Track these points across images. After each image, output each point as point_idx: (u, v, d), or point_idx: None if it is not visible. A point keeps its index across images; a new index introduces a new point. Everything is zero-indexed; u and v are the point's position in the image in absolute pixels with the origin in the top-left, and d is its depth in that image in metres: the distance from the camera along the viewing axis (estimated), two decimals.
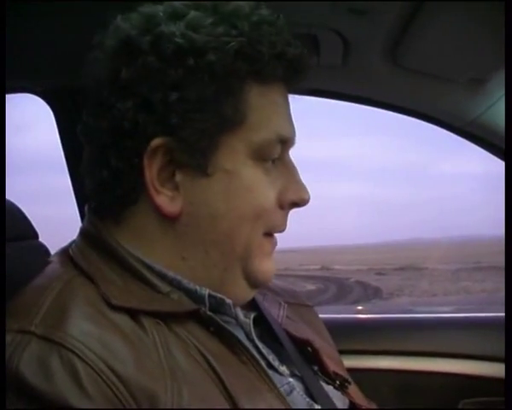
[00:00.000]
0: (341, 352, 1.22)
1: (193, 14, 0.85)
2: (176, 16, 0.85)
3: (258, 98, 0.87)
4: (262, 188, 0.89)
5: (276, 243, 0.96)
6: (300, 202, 0.94)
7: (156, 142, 0.84)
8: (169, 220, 0.88)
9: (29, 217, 1.34)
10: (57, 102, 1.77)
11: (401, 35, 1.34)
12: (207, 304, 0.88)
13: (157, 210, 0.87)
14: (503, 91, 1.53)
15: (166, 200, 0.86)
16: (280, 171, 0.92)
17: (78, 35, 0.89)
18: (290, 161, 0.95)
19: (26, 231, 1.31)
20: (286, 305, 1.12)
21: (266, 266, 0.94)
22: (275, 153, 0.90)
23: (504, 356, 1.37)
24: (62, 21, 1.33)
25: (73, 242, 0.94)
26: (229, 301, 0.91)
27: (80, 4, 1.24)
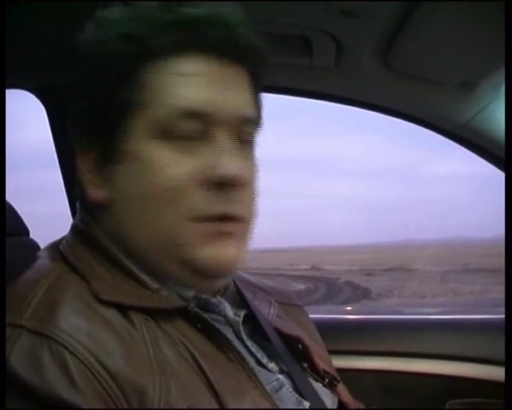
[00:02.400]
0: (329, 352, 1.22)
1: (99, 13, 0.90)
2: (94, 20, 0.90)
3: (153, 76, 0.86)
4: (167, 166, 0.85)
5: (220, 227, 0.87)
6: (224, 179, 0.85)
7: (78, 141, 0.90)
8: (107, 210, 0.90)
9: (20, 214, 1.34)
10: (49, 98, 1.77)
11: (393, 38, 1.35)
12: (193, 304, 0.89)
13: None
14: (493, 96, 1.54)
15: (98, 191, 0.89)
16: (201, 147, 0.86)
17: (71, 33, 0.89)
18: (222, 137, 0.87)
19: (17, 227, 1.32)
20: (276, 304, 1.12)
21: (207, 254, 0.86)
22: (182, 128, 0.85)
23: (498, 358, 1.40)
24: (55, 19, 1.33)
25: (64, 237, 0.94)
26: (214, 300, 0.92)
27: (73, 3, 1.24)
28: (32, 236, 1.37)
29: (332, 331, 1.76)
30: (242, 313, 0.98)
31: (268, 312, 1.08)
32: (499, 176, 1.64)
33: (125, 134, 0.87)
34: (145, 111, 0.85)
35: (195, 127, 0.85)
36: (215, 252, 0.87)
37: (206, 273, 0.89)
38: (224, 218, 0.86)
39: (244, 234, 0.92)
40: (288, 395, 0.94)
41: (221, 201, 0.86)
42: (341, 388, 1.11)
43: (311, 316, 1.29)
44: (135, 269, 0.88)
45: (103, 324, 0.77)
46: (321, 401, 0.99)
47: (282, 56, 1.46)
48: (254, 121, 0.93)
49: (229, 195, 0.86)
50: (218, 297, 0.96)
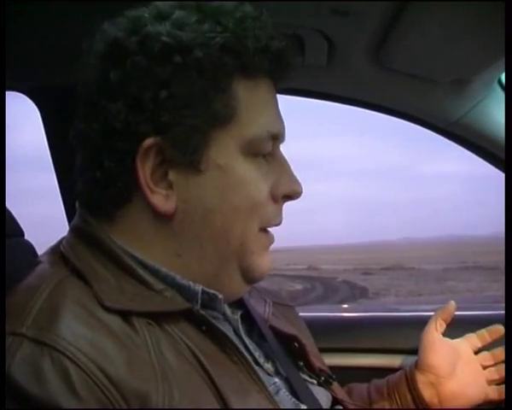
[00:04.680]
0: (327, 350, 1.23)
1: (178, 13, 0.86)
2: (161, 16, 0.86)
3: (247, 93, 0.88)
4: (255, 182, 0.90)
5: (272, 239, 0.97)
6: (293, 195, 0.96)
7: (148, 142, 0.84)
8: (164, 218, 0.88)
9: (15, 215, 1.34)
10: (44, 101, 1.77)
11: (384, 36, 1.35)
12: (199, 300, 0.88)
13: (152, 209, 0.87)
14: (486, 92, 1.54)
15: (161, 199, 0.86)
16: (272, 165, 0.93)
17: (66, 35, 0.89)
18: (282, 156, 0.96)
19: (12, 228, 1.32)
20: (271, 302, 1.12)
21: (263, 262, 0.95)
22: (266, 149, 0.91)
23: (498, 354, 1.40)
24: (50, 21, 1.33)
25: (63, 239, 0.93)
26: (221, 296, 0.92)
27: (69, 4, 1.24)
28: (26, 237, 1.37)
29: (328, 329, 1.76)
30: (239, 313, 0.99)
31: (263, 310, 1.08)
32: (495, 174, 1.65)
33: (212, 145, 0.87)
34: (238, 126, 0.88)
35: (270, 147, 0.92)
36: (266, 260, 0.96)
37: (252, 280, 0.97)
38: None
39: None
40: (285, 398, 0.94)
41: (281, 211, 0.96)
42: (336, 386, 1.12)
43: (307, 315, 1.29)
44: (139, 270, 0.87)
45: (105, 330, 0.77)
46: (317, 402, 1.00)
47: None
48: None
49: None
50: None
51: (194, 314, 0.86)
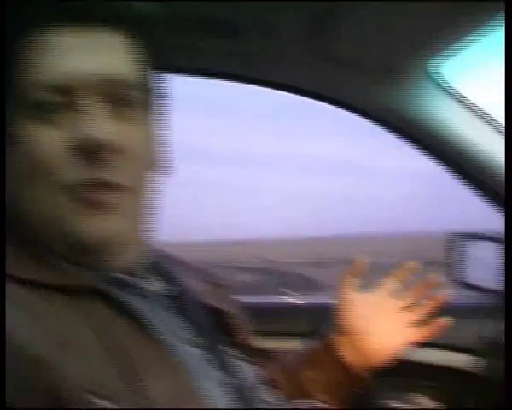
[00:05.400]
0: (270, 333, 1.22)
1: None
2: None
3: (22, 50, 0.85)
4: (38, 142, 0.83)
5: (100, 198, 0.84)
6: (88, 143, 0.82)
7: None
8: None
9: None
10: None
11: (321, 23, 1.36)
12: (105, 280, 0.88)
13: None
14: (418, 82, 1.57)
15: None
16: (74, 117, 0.83)
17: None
18: (88, 104, 0.84)
19: None
20: (206, 280, 1.12)
21: (86, 227, 0.84)
22: (51, 102, 0.83)
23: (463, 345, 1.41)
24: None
25: None
26: (129, 277, 0.91)
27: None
28: None
29: (272, 314, 1.79)
30: (168, 288, 0.99)
31: (197, 288, 1.07)
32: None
33: (5, 113, 0.86)
34: (11, 86, 0.85)
35: (62, 99, 0.84)
36: (95, 223, 0.85)
37: (90, 247, 0.87)
38: (100, 186, 0.84)
39: (128, 204, 0.89)
40: (211, 372, 0.94)
41: (94, 167, 0.83)
42: (269, 365, 1.14)
43: (252, 300, 1.27)
44: (36, 246, 0.87)
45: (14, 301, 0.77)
46: (245, 378, 1.00)
47: (207, 40, 1.47)
48: (133, 83, 0.89)
49: (104, 161, 0.84)
50: (141, 273, 0.95)
51: (100, 290, 0.85)
